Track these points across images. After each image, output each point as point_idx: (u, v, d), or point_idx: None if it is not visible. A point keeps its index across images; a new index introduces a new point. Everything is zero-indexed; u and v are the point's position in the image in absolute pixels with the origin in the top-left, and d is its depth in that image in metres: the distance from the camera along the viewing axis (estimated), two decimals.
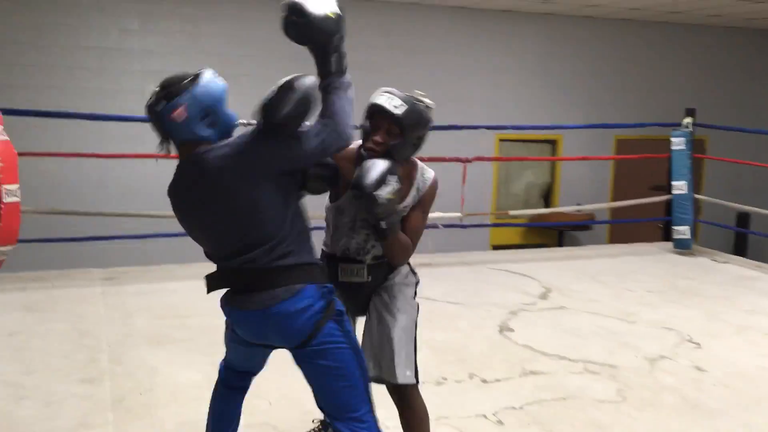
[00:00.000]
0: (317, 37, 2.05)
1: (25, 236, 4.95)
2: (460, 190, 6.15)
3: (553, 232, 9.48)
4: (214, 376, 3.48)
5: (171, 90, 1.97)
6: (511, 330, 4.34)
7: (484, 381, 3.51)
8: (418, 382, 2.39)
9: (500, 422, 3.07)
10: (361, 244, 2.34)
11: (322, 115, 2.01)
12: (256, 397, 3.23)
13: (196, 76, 2.01)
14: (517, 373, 3.62)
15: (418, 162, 2.40)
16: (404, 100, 2.24)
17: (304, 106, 1.97)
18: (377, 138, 2.23)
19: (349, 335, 2.08)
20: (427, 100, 2.31)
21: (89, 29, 7.25)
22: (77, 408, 3.10)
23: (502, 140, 9.22)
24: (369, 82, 8.23)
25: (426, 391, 3.32)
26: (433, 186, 2.40)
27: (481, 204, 8.39)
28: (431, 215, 6.09)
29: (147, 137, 6.94)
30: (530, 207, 9.45)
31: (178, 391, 3.33)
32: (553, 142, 9.65)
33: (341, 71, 2.08)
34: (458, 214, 6.21)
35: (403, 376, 2.32)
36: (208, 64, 6.87)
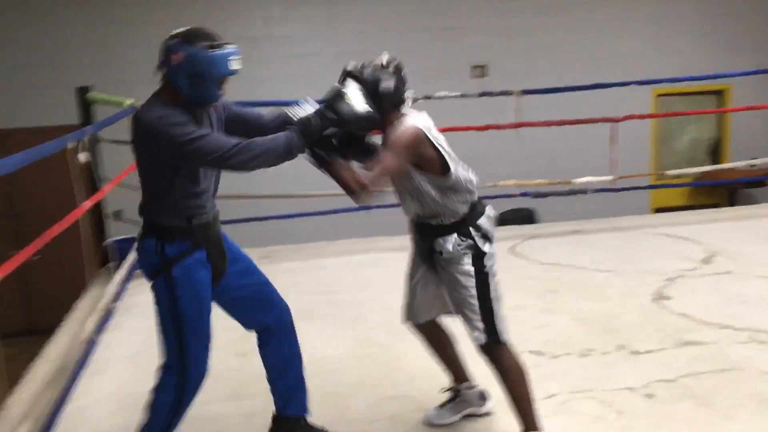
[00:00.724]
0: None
1: None
2: (609, 152, 5.81)
3: (723, 191, 8.73)
4: (358, 350, 3.58)
5: (190, 39, 2.19)
6: (668, 298, 4.05)
7: (634, 352, 3.31)
8: (499, 341, 2.46)
9: (650, 395, 2.88)
10: (405, 208, 2.57)
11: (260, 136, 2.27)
12: (395, 371, 3.28)
13: (216, 46, 2.19)
14: (672, 344, 3.37)
15: (407, 117, 2.42)
16: (345, 73, 2.43)
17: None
18: None
19: (176, 300, 2.27)
20: (383, 59, 2.44)
21: (235, 20, 7.61)
22: (231, 380, 3.30)
23: (660, 95, 8.59)
24: (511, 47, 8.03)
25: (569, 363, 3.22)
26: (403, 131, 2.36)
27: (637, 165, 7.90)
28: (580, 180, 5.82)
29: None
30: (695, 165, 8.74)
31: (323, 364, 3.43)
32: (719, 94, 8.85)
33: (303, 136, 2.24)
34: (609, 178, 5.88)
35: (480, 338, 2.45)
36: (347, 44, 7.08)
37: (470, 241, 2.44)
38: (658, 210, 8.48)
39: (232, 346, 3.67)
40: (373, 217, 6.50)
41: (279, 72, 7.65)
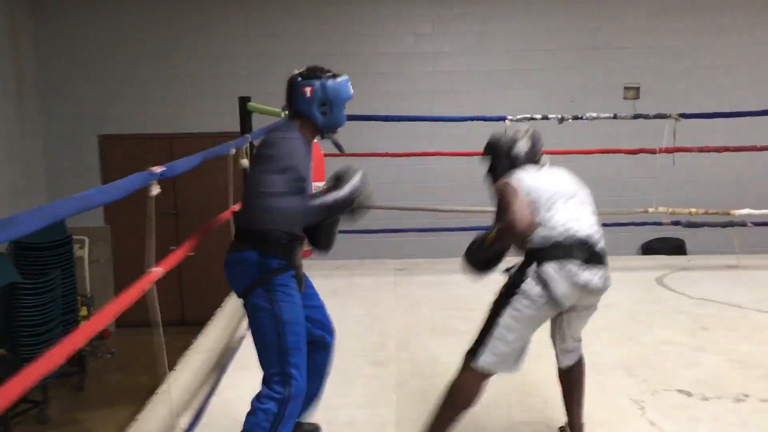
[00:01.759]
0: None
1: None
2: None
3: None
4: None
5: (314, 73, 2.50)
6: None
7: None
8: (473, 358, 2.53)
9: None
10: None
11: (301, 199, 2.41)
12: (530, 396, 3.21)
13: (337, 75, 2.52)
14: None
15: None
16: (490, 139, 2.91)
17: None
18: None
19: (274, 304, 2.37)
20: (520, 131, 2.85)
21: (386, 37, 7.79)
22: (366, 387, 3.36)
23: None
24: (668, 68, 7.69)
25: (722, 407, 3.01)
26: (498, 188, 2.68)
27: None
28: (740, 212, 5.48)
29: (438, 135, 7.30)
30: None
31: None
32: None
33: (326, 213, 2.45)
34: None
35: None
36: (497, 62, 7.01)
37: (517, 271, 2.52)
38: None
39: (369, 354, 3.75)
40: None
41: (425, 88, 7.74)
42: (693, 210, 5.60)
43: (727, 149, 5.78)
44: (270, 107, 5.36)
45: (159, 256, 2.54)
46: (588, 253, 2.43)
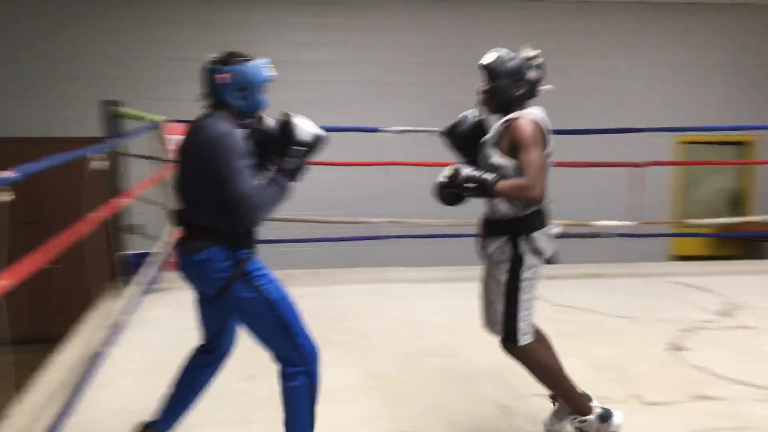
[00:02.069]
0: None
1: None
2: (633, 197, 5.76)
3: (744, 244, 8.62)
4: (365, 381, 3.53)
5: (228, 59, 2.45)
6: (684, 349, 3.96)
7: (648, 403, 3.23)
8: (514, 342, 2.63)
9: None
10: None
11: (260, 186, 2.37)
12: (402, 405, 3.23)
13: (244, 58, 2.46)
14: (687, 397, 3.29)
15: (522, 115, 2.57)
16: (500, 53, 2.62)
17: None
18: (480, 87, 2.67)
19: (259, 290, 2.39)
20: (529, 52, 2.63)
21: (267, 44, 7.69)
22: (236, 403, 3.26)
23: (682, 143, 8.54)
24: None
25: None
26: (521, 125, 2.51)
27: (659, 212, 7.83)
28: (600, 223, 5.79)
29: (332, 146, 7.21)
30: (717, 215, 8.66)
31: (328, 393, 3.37)
32: (745, 144, 8.79)
33: (293, 175, 2.46)
34: (629, 223, 5.82)
35: (500, 333, 2.67)
36: (375, 73, 7.11)
37: (510, 250, 2.58)
38: (677, 258, 8.38)
39: (237, 368, 3.63)
40: (389, 246, 6.50)
41: (305, 96, 7.71)
42: (557, 221, 5.87)
43: (589, 164, 6.12)
44: (138, 111, 5.15)
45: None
46: (547, 211, 2.66)
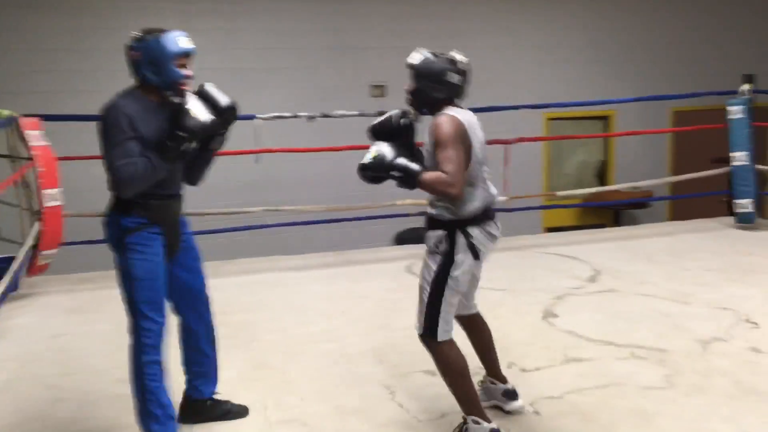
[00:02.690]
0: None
1: (70, 239, 5.08)
2: (503, 173, 5.97)
3: (610, 212, 9.18)
4: (249, 373, 3.48)
5: (141, 36, 2.54)
6: (556, 316, 4.17)
7: (523, 370, 3.38)
8: (433, 336, 2.65)
9: (537, 413, 2.94)
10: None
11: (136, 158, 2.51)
12: (287, 393, 3.21)
13: (160, 32, 2.54)
14: (559, 361, 3.48)
15: (451, 109, 2.61)
16: (425, 55, 2.65)
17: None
18: (406, 87, 2.69)
19: (126, 261, 2.58)
20: (455, 56, 2.66)
21: (128, 31, 7.34)
22: (111, 408, 3.12)
23: (550, 119, 8.96)
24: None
25: None
26: (441, 123, 2.54)
27: (531, 186, 8.18)
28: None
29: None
30: (584, 187, 9.16)
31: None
32: (605, 119, 9.33)
33: (169, 157, 2.55)
34: (502, 198, 6.03)
35: (419, 328, 2.69)
36: (246, 60, 6.95)
37: (447, 244, 2.60)
38: (550, 230, 8.80)
39: (115, 372, 3.49)
40: (269, 236, 6.42)
41: None
42: (398, 202, 5.95)
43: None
44: None
45: None
46: (492, 210, 2.70)
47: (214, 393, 3.01)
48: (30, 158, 4.50)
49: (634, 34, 9.20)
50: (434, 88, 2.61)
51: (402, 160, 2.58)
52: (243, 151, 5.93)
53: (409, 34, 8.25)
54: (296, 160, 7.29)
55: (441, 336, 2.64)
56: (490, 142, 6.24)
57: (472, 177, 2.59)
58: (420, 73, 2.63)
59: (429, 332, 2.65)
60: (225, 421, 2.98)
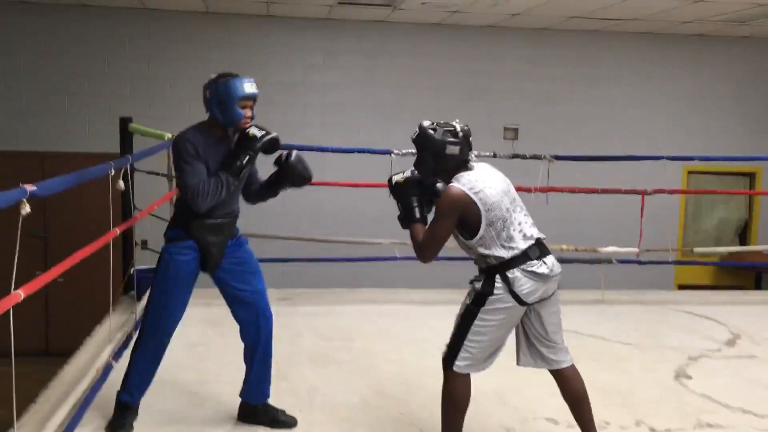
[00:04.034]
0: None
1: None
2: (638, 224, 5.80)
3: (749, 274, 8.62)
4: (370, 400, 3.55)
5: (215, 78, 2.93)
6: (689, 377, 3.97)
7: (653, 429, 3.24)
8: (450, 367, 2.73)
9: None
10: None
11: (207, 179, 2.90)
12: (407, 425, 3.24)
13: (230, 77, 2.90)
14: (692, 424, 3.30)
15: (453, 184, 2.69)
16: (422, 126, 2.76)
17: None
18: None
19: (159, 265, 3.01)
20: (455, 126, 2.73)
21: (277, 66, 7.80)
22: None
23: (690, 172, 8.59)
24: (545, 112, 8.13)
25: None
26: (445, 195, 2.68)
27: (664, 240, 7.84)
28: (606, 249, 5.77)
29: (324, 166, 7.30)
30: (722, 244, 8.67)
31: (335, 412, 3.41)
32: (750, 175, 8.83)
33: (235, 174, 2.94)
34: (635, 249, 5.85)
35: (444, 351, 2.78)
36: (384, 96, 7.17)
37: (483, 283, 2.67)
38: (682, 287, 8.38)
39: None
40: (396, 268, 6.53)
41: (314, 119, 7.81)
42: (564, 246, 5.91)
43: (594, 191, 6.17)
44: (151, 129, 5.23)
45: (25, 280, 2.39)
46: (539, 249, 2.70)
47: (261, 401, 3.23)
48: None
49: None
50: (435, 160, 2.71)
51: (414, 201, 2.82)
52: (376, 183, 6.11)
53: (545, 78, 8.24)
54: None
55: (457, 368, 2.71)
56: (626, 192, 6.08)
57: (486, 240, 2.65)
58: (420, 147, 2.74)
59: (447, 359, 2.74)
60: None
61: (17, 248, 2.28)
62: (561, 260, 6.25)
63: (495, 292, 2.63)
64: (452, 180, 2.69)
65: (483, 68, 8.18)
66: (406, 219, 2.85)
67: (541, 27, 8.09)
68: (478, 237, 2.64)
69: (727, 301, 6.01)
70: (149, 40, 7.53)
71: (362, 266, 6.67)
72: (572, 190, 6.15)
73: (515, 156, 6.11)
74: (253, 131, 2.94)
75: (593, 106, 8.32)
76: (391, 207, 6.97)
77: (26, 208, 2.24)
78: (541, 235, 2.75)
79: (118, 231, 3.71)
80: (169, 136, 4.97)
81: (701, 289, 7.10)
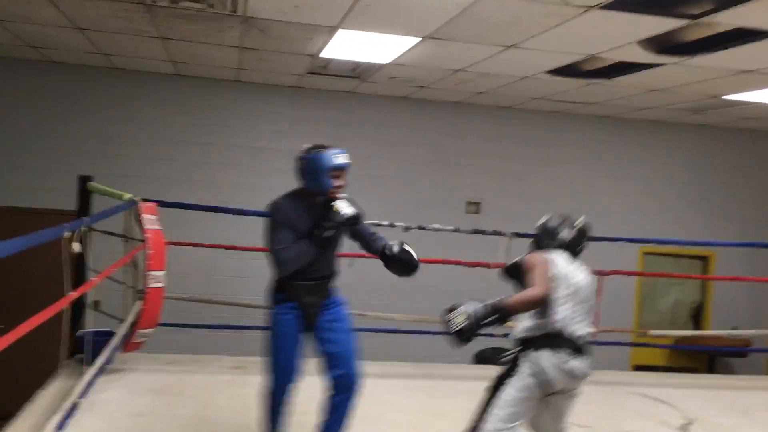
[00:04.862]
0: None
1: (166, 320, 5.27)
2: (595, 305, 5.84)
3: (704, 357, 8.72)
4: None
5: (309, 149, 3.27)
6: None
7: None
8: None
9: None
10: None
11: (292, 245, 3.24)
12: None
13: (322, 149, 3.22)
14: None
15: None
16: (547, 217, 3.36)
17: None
18: None
19: (270, 324, 3.37)
20: (572, 222, 3.32)
21: (245, 130, 7.85)
22: None
23: (646, 254, 8.77)
24: (507, 189, 8.28)
25: None
26: (529, 257, 3.12)
27: (621, 321, 7.93)
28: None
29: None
30: (677, 327, 8.81)
31: None
32: (704, 259, 9.05)
33: (316, 245, 3.24)
34: (592, 330, 5.87)
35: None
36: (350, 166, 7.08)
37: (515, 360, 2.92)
38: (637, 367, 8.44)
39: None
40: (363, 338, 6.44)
41: (282, 184, 7.78)
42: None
43: None
44: (111, 189, 5.17)
45: None
46: (575, 346, 2.91)
47: None
48: (142, 240, 4.78)
49: (740, 175, 9.03)
50: (545, 241, 3.24)
51: (489, 303, 2.87)
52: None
53: (506, 155, 8.43)
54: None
55: None
56: None
57: (558, 302, 2.95)
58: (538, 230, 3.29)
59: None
60: None
61: None
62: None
63: (522, 366, 2.86)
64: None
65: (448, 143, 8.35)
66: (502, 314, 2.90)
67: (505, 105, 8.33)
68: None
69: (680, 384, 6.03)
70: (116, 99, 7.54)
71: None
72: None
73: (476, 231, 6.17)
74: (338, 206, 3.22)
75: (553, 184, 8.51)
76: (352, 278, 7.02)
77: None
78: (587, 339, 2.97)
79: (75, 295, 3.61)
80: (129, 196, 4.91)
81: (656, 370, 7.14)
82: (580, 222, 3.28)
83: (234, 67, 7.11)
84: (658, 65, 5.95)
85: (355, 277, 7.44)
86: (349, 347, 3.36)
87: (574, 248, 3.19)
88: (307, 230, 3.17)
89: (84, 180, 5.21)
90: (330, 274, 3.41)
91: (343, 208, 3.21)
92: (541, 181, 8.51)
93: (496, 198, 8.35)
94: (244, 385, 4.98)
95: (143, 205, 4.93)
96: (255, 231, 7.24)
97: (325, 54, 6.30)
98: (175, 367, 5.25)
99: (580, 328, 2.96)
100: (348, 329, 3.41)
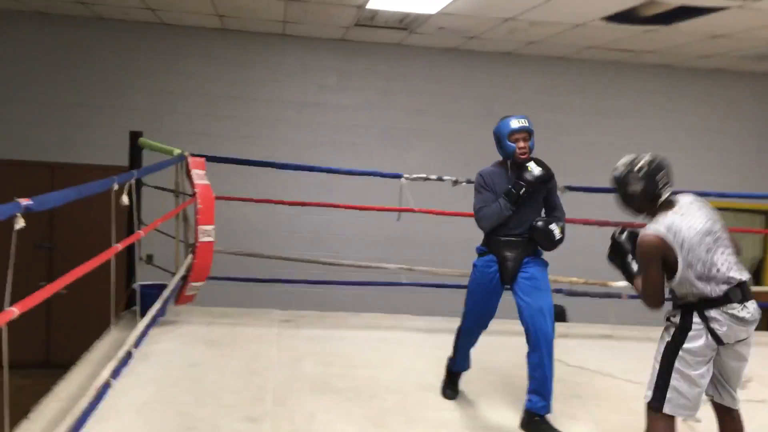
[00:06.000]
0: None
1: (216, 274, 5.35)
2: None
3: (765, 314, 8.46)
4: (370, 431, 3.46)
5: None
6: (698, 420, 3.82)
7: None
8: (659, 408, 2.79)
9: None
10: None
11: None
12: None
13: (502, 118, 3.65)
14: None
15: (648, 229, 2.78)
16: (621, 163, 3.01)
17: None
18: None
19: (471, 276, 3.73)
20: (640, 161, 2.94)
21: (291, 85, 7.80)
22: None
23: None
24: (559, 142, 8.09)
25: None
26: (641, 244, 2.79)
27: None
28: (616, 284, 5.68)
29: (335, 187, 7.27)
30: None
31: None
32: (765, 213, 8.72)
33: (510, 202, 3.56)
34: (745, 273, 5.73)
35: (648, 396, 2.85)
36: (396, 120, 7.13)
37: (681, 318, 2.76)
38: None
39: (244, 409, 3.59)
40: (399, 293, 6.45)
41: (326, 139, 7.79)
42: (574, 279, 5.82)
43: (607, 223, 6.07)
44: (162, 144, 5.20)
45: (28, 291, 2.33)
46: (741, 293, 2.76)
47: (541, 410, 3.43)
48: (192, 195, 4.82)
49: None
50: (625, 198, 2.94)
51: (627, 258, 3.02)
52: (386, 207, 6.06)
53: (559, 108, 8.19)
54: (436, 222, 7.34)
55: (667, 409, 2.75)
56: (639, 225, 5.98)
57: (685, 280, 2.71)
58: (614, 183, 2.98)
59: (656, 402, 2.78)
60: None
61: (11, 263, 2.23)
62: (571, 293, 6.17)
63: (694, 327, 2.73)
64: (653, 220, 2.79)
65: (498, 95, 8.15)
66: (626, 277, 3.06)
67: (557, 56, 8.06)
68: (677, 278, 2.73)
69: None
70: (164, 54, 7.56)
71: (367, 290, 6.60)
72: (585, 222, 6.06)
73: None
74: (531, 165, 3.54)
75: (607, 136, 8.26)
76: (399, 232, 7.00)
77: (20, 223, 2.19)
78: (745, 278, 2.78)
79: (120, 247, 3.65)
80: (178, 151, 4.94)
81: None
82: (639, 163, 2.92)
83: (280, 20, 7.03)
84: (720, 9, 5.64)
85: (402, 232, 7.48)
86: (542, 305, 3.48)
87: (660, 195, 2.86)
88: (501, 191, 3.52)
89: (135, 136, 5.27)
90: (522, 235, 3.61)
91: (534, 168, 3.51)
92: (593, 133, 8.26)
93: (548, 151, 8.07)
94: (293, 338, 5.05)
95: (192, 160, 4.95)
96: (302, 186, 7.33)
97: (371, 5, 6.17)
98: (227, 320, 5.34)
99: (736, 273, 2.75)
100: (543, 288, 3.55)
